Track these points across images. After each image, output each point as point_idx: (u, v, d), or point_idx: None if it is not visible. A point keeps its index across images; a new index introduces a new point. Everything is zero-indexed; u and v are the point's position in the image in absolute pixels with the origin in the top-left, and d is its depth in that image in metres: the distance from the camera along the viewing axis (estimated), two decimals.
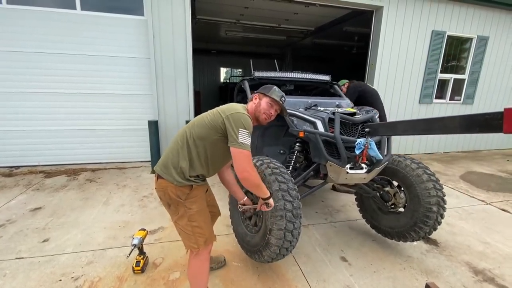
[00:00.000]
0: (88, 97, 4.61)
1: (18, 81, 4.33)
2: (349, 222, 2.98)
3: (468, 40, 6.12)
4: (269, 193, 1.62)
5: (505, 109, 1.03)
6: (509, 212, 3.32)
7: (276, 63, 4.77)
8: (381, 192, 2.45)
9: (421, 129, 1.51)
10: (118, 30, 4.49)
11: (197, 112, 4.64)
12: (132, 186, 3.84)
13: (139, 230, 2.16)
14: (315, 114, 2.38)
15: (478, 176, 4.76)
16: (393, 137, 2.45)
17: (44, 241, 2.45)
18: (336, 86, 3.84)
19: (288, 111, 2.49)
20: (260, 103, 1.63)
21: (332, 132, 2.14)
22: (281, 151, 2.96)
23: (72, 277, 1.99)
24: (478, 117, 1.16)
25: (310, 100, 3.05)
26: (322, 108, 2.63)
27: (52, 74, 4.41)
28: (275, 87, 1.68)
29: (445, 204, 2.15)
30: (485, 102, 6.66)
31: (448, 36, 5.86)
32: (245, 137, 1.39)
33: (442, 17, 5.73)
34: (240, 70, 13.75)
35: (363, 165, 2.08)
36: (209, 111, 1.57)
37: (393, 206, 2.40)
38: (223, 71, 13.71)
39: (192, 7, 4.67)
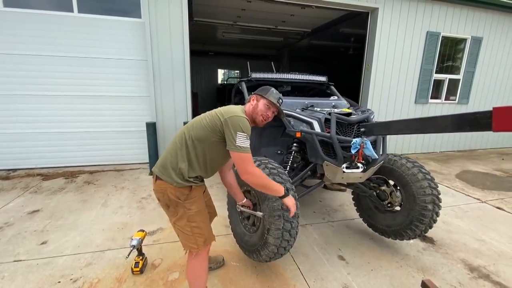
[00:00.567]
0: (86, 99, 4.61)
1: (15, 84, 4.32)
2: (347, 221, 3.01)
3: (463, 40, 6.20)
4: (283, 190, 1.60)
5: (494, 108, 1.07)
6: (504, 210, 3.37)
7: (273, 65, 4.80)
8: (378, 191, 2.48)
9: (415, 128, 1.54)
10: (116, 32, 4.50)
11: (195, 113, 4.66)
12: (130, 188, 3.84)
13: (138, 231, 2.18)
14: (312, 115, 2.41)
15: (474, 174, 4.81)
16: (390, 137, 2.49)
17: (42, 243, 2.45)
18: (332, 87, 3.88)
19: (285, 112, 2.53)
20: (258, 105, 1.63)
21: (328, 132, 2.17)
22: (279, 152, 2.98)
23: (71, 279, 2.00)
24: (469, 116, 1.19)
25: (307, 101, 3.09)
26: (318, 109, 2.66)
27: (50, 77, 4.40)
28: (272, 89, 1.69)
29: (440, 202, 2.18)
30: (479, 102, 6.74)
31: (442, 37, 5.93)
32: (243, 140, 1.40)
33: (437, 18, 5.80)
34: (238, 71, 13.80)
35: (359, 164, 2.11)
36: (207, 113, 1.58)
37: (389, 205, 2.43)
38: (220, 73, 13.75)
39: (189, 9, 4.70)
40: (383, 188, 2.44)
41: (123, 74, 4.66)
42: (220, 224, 2.80)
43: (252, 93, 1.72)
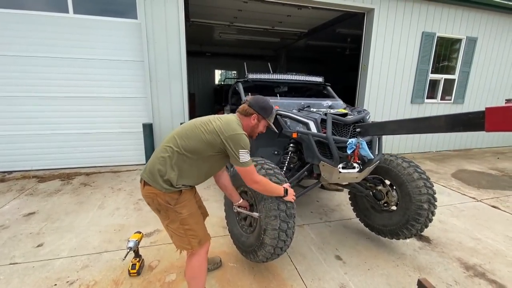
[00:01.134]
0: (82, 100, 4.59)
1: (10, 85, 4.29)
2: (344, 221, 3.02)
3: (458, 41, 6.25)
4: (283, 191, 1.73)
5: (486, 108, 1.08)
6: (499, 209, 3.40)
7: (270, 65, 4.81)
8: (374, 191, 2.49)
9: (410, 129, 1.56)
10: (112, 33, 4.49)
11: (192, 114, 4.66)
12: (127, 189, 3.83)
13: (135, 233, 2.17)
14: (308, 115, 2.41)
15: (469, 174, 4.85)
16: (386, 137, 2.50)
17: (38, 246, 2.43)
18: (329, 88, 3.89)
19: (281, 112, 2.54)
20: (258, 125, 1.73)
21: (324, 133, 2.18)
22: (275, 152, 2.98)
23: (67, 282, 1.99)
24: (462, 117, 1.21)
25: (303, 101, 3.09)
26: (314, 109, 2.67)
27: (45, 78, 4.38)
28: (274, 109, 1.76)
29: (436, 201, 2.19)
30: (475, 101, 6.80)
31: (438, 37, 5.98)
32: (245, 156, 1.51)
33: (432, 19, 5.85)
34: (235, 72, 13.79)
35: (355, 164, 2.12)
36: (202, 124, 1.54)
37: (385, 204, 2.44)
38: (217, 73, 13.73)
39: (185, 9, 4.70)
40: (379, 187, 2.45)
41: (119, 75, 4.64)
42: (218, 225, 2.80)
43: (253, 107, 1.67)
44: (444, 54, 6.30)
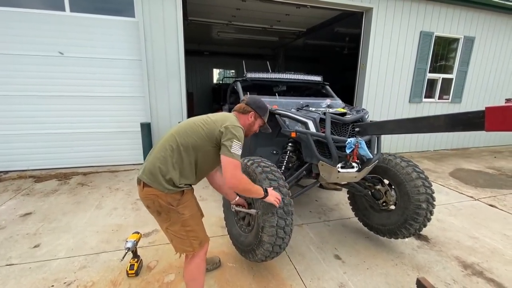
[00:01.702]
0: (78, 99, 4.55)
1: (5, 84, 4.25)
2: (343, 220, 3.02)
3: (455, 40, 6.27)
4: (263, 192, 1.65)
5: (486, 108, 1.07)
6: (496, 208, 3.42)
7: (269, 64, 4.80)
8: (373, 191, 2.49)
9: (408, 128, 1.55)
10: (109, 32, 4.45)
11: (190, 113, 4.63)
12: (125, 189, 3.81)
13: (133, 233, 2.15)
14: (307, 115, 2.41)
15: (467, 173, 4.88)
16: (384, 136, 2.50)
17: (35, 246, 2.41)
18: (327, 87, 3.89)
19: (280, 112, 2.54)
20: (255, 123, 1.75)
21: (323, 132, 2.17)
22: (274, 152, 2.98)
23: (65, 283, 1.97)
24: (462, 116, 1.20)
25: (302, 100, 3.09)
26: (313, 109, 2.67)
27: (41, 77, 4.34)
28: (268, 108, 1.79)
29: (434, 201, 2.20)
30: (472, 101, 6.84)
31: (436, 36, 6.00)
32: (237, 148, 1.46)
33: (430, 18, 5.86)
34: (233, 71, 13.76)
35: (354, 164, 2.12)
36: (201, 120, 1.57)
37: (384, 204, 2.45)
38: (216, 72, 13.70)
39: (183, 8, 4.66)
40: (378, 187, 2.45)
41: (116, 74, 4.61)
42: (216, 225, 2.79)
43: (250, 105, 1.71)
44: (442, 53, 6.32)
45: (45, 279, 2.01)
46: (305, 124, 2.31)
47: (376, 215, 2.52)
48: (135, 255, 2.11)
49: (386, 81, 5.92)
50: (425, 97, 6.35)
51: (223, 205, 2.39)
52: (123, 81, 4.66)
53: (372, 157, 2.11)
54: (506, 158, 6.08)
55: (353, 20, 6.15)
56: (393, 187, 2.39)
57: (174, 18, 4.54)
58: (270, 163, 2.01)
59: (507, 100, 1.03)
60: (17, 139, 4.46)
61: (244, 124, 1.67)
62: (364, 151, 1.99)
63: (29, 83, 4.32)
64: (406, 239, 2.60)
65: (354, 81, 6.06)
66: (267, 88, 4.01)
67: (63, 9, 4.24)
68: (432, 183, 2.28)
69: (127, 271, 2.03)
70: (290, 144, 2.58)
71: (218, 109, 5.68)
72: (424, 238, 2.66)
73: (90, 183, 4.01)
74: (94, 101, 4.62)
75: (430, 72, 6.20)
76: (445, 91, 6.54)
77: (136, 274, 2.03)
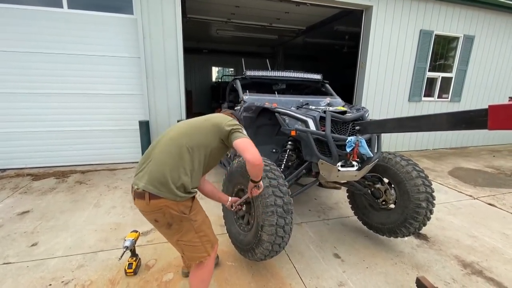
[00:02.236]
0: (76, 97, 4.51)
1: (2, 82, 4.20)
2: (342, 219, 3.02)
3: (455, 39, 6.26)
4: (261, 177, 1.70)
5: (489, 106, 1.06)
6: (495, 207, 3.42)
7: (268, 62, 4.78)
8: (372, 189, 2.49)
9: (410, 127, 1.54)
10: (107, 29, 4.41)
11: (189, 111, 4.61)
12: (123, 187, 3.78)
13: (131, 232, 2.14)
14: (307, 113, 2.39)
15: (466, 172, 4.88)
16: (383, 135, 2.49)
17: (32, 245, 2.39)
18: (327, 85, 3.87)
19: (280, 110, 2.52)
20: None
21: (323, 131, 2.16)
22: (274, 150, 2.96)
23: (63, 281, 1.95)
24: (464, 115, 1.19)
25: (302, 99, 3.08)
26: (313, 107, 2.65)
27: (38, 74, 4.29)
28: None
29: (434, 200, 2.19)
30: (471, 100, 6.84)
31: (435, 35, 5.98)
32: (246, 134, 1.55)
33: (430, 17, 5.84)
34: (232, 69, 13.72)
35: (354, 162, 2.11)
36: (201, 120, 1.59)
37: (384, 202, 2.44)
38: (214, 70, 13.65)
39: (182, 5, 4.63)
40: (378, 186, 2.44)
41: (115, 72, 4.57)
42: (215, 224, 2.76)
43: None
44: (441, 52, 6.31)
45: (43, 278, 1.99)
46: (305, 123, 2.29)
47: (375, 214, 2.52)
48: (134, 254, 2.09)
49: (386, 79, 5.91)
50: (424, 96, 6.34)
51: (222, 204, 2.37)
52: (121, 79, 4.62)
53: (372, 155, 2.10)
54: (505, 157, 6.10)
55: (353, 18, 6.13)
56: (392, 186, 2.38)
57: (173, 15, 4.51)
58: (269, 162, 2.00)
59: (511, 98, 1.01)
60: (15, 137, 4.42)
61: None
62: (365, 149, 1.97)
63: (26, 80, 4.27)
64: (406, 238, 2.60)
65: (354, 79, 6.04)
66: (266, 86, 3.99)
67: (61, 6, 4.20)
68: (431, 182, 2.27)
69: (125, 270, 2.01)
70: (289, 142, 2.57)
71: (217, 107, 5.66)
72: (424, 237, 2.66)
73: (88, 182, 3.98)
74: (92, 98, 4.58)
75: (429, 70, 6.19)
76: (444, 90, 6.53)
77: (135, 273, 2.02)
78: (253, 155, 1.43)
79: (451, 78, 6.45)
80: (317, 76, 3.87)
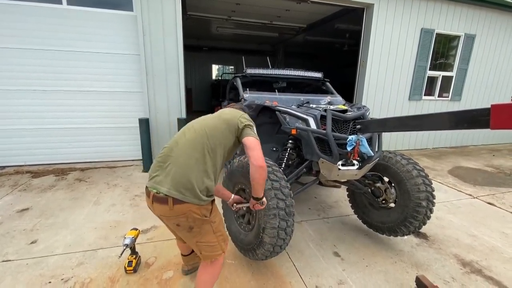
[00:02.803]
0: (76, 94, 4.49)
1: (1, 79, 4.18)
2: (342, 217, 3.02)
3: (456, 38, 6.24)
4: (263, 193, 1.63)
5: (492, 105, 1.05)
6: (495, 206, 3.43)
7: (269, 60, 4.76)
8: (372, 188, 2.48)
9: (411, 126, 1.54)
10: (107, 26, 4.38)
11: (189, 109, 4.60)
12: (123, 185, 3.78)
13: (131, 230, 2.13)
14: (307, 111, 2.38)
15: (466, 171, 4.88)
16: (383, 134, 2.48)
17: (32, 242, 2.39)
18: (328, 83, 3.86)
19: (280, 108, 2.51)
20: None
21: (324, 129, 2.15)
22: (274, 149, 2.95)
23: (62, 279, 1.95)
24: (466, 114, 1.18)
25: (303, 97, 3.06)
26: (314, 105, 2.64)
27: (38, 71, 4.27)
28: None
29: (434, 199, 2.19)
30: (472, 99, 6.83)
31: (436, 34, 5.96)
32: (256, 133, 1.57)
33: (431, 15, 5.82)
34: (232, 67, 13.68)
35: (354, 161, 2.10)
36: (213, 118, 1.59)
37: (384, 201, 2.44)
38: (215, 68, 13.62)
39: (182, 2, 4.59)
40: (378, 185, 2.44)
41: (114, 69, 4.55)
42: None
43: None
44: (442, 51, 6.29)
45: (42, 275, 1.99)
46: (305, 121, 2.28)
47: (375, 212, 2.52)
48: (133, 251, 2.09)
49: (386, 78, 5.89)
50: (425, 95, 6.32)
51: (222, 201, 2.37)
52: (121, 76, 4.60)
53: (373, 154, 2.09)
54: (505, 156, 6.10)
55: (354, 16, 6.10)
56: (393, 184, 2.38)
57: (173, 12, 4.48)
58: (271, 162, 1.99)
59: None
60: (14, 134, 4.40)
61: None
62: (366, 148, 1.97)
63: (25, 77, 4.25)
64: (405, 237, 2.60)
65: (354, 78, 6.02)
66: (267, 84, 3.98)
67: (60, 2, 4.17)
68: (432, 181, 2.27)
69: (125, 268, 2.01)
70: (290, 141, 2.56)
71: (217, 105, 5.64)
72: (423, 236, 2.66)
73: (88, 179, 3.98)
74: (92, 96, 4.56)
75: (430, 69, 6.17)
76: (445, 88, 6.52)
77: (134, 270, 2.02)
78: (258, 156, 1.45)
79: (451, 77, 6.44)
80: (318, 75, 3.86)
